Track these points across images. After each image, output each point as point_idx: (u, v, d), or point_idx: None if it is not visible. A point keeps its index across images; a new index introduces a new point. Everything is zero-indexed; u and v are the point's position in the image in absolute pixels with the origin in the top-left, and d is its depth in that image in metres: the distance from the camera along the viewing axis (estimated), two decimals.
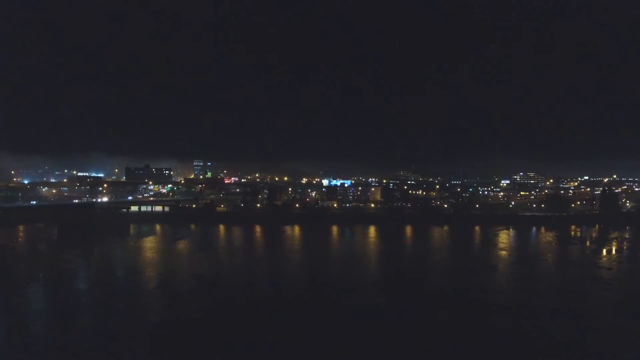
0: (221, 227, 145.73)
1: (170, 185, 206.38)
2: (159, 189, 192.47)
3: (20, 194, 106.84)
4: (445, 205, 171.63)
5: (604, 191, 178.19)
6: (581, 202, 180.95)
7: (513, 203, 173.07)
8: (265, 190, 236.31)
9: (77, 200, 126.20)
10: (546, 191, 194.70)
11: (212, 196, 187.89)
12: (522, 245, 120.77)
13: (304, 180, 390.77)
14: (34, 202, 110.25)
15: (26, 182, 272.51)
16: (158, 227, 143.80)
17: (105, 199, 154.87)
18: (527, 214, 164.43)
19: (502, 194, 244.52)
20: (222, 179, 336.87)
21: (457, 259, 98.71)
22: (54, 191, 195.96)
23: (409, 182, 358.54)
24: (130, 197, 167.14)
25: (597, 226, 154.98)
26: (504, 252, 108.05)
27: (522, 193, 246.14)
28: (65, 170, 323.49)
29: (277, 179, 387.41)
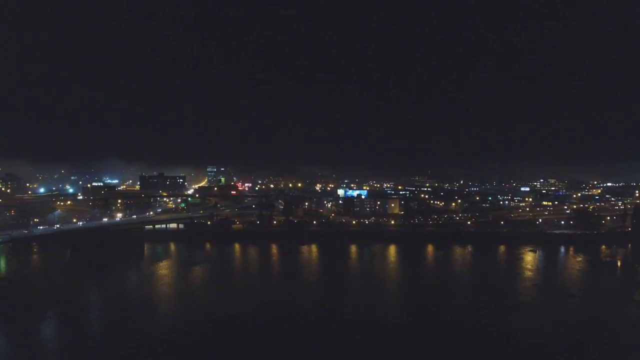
0: (237, 247, 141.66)
1: (182, 201, 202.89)
2: (172, 206, 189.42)
3: (32, 221, 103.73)
4: (469, 222, 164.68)
5: (637, 206, 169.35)
6: (611, 218, 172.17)
7: (540, 220, 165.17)
8: (280, 201, 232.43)
9: (92, 224, 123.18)
10: (574, 207, 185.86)
11: (227, 210, 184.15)
12: (552, 273, 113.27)
13: (318, 187, 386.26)
14: (47, 228, 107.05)
15: (42, 190, 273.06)
16: (173, 247, 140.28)
17: (119, 217, 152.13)
18: (556, 231, 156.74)
19: (523, 204, 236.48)
20: (236, 186, 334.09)
21: (485, 293, 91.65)
22: (69, 202, 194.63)
23: (425, 188, 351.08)
24: (144, 214, 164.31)
25: (629, 246, 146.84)
26: (533, 283, 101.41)
27: (544, 203, 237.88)
28: (80, 182, 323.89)
29: (290, 185, 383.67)
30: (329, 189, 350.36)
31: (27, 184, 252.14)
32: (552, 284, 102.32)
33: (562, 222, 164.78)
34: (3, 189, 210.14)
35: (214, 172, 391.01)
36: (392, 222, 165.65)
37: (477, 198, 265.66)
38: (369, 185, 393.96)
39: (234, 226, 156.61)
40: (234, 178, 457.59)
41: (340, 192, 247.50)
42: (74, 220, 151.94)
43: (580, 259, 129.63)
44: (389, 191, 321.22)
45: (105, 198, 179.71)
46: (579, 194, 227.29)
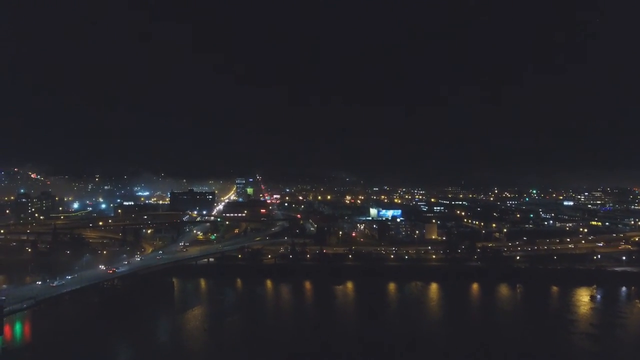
0: (269, 286, 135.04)
1: (212, 229, 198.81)
2: (203, 237, 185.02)
3: (58, 279, 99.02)
4: (517, 257, 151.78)
5: None
6: None
7: (599, 256, 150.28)
8: (311, 221, 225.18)
9: (122, 269, 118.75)
10: (636, 239, 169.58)
11: (258, 239, 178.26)
12: (615, 333, 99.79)
13: (348, 199, 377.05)
14: (74, 283, 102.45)
15: (76, 206, 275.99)
16: (203, 285, 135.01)
17: (149, 252, 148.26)
18: (617, 269, 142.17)
19: (570, 225, 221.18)
20: (265, 201, 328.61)
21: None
22: (99, 225, 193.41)
23: (460, 201, 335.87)
24: (174, 247, 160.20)
25: None
26: (595, 353, 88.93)
27: (593, 223, 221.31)
28: (114, 192, 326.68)
29: (319, 197, 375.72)
30: (359, 201, 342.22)
31: (62, 202, 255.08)
32: (616, 354, 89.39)
33: (624, 258, 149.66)
34: (37, 214, 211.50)
35: (243, 183, 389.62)
36: (434, 256, 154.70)
37: (518, 216, 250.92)
38: (399, 196, 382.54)
39: (265, 260, 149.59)
40: (262, 186, 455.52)
41: (373, 212, 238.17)
42: (104, 253, 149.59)
43: None
44: (422, 205, 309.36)
45: (135, 229, 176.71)
46: (638, 221, 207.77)
